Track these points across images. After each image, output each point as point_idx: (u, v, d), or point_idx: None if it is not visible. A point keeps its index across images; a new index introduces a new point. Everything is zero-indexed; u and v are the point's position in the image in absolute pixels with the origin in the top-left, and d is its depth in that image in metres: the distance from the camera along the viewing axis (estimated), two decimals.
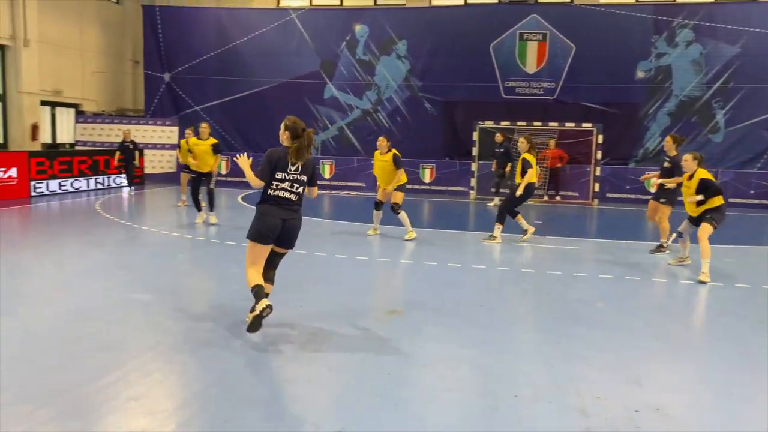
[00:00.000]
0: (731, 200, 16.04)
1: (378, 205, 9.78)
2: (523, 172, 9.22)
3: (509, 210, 9.53)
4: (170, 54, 19.82)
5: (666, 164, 8.82)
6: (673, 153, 8.72)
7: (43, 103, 17.90)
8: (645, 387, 3.99)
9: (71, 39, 18.74)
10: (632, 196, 16.38)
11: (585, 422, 3.47)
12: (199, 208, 10.63)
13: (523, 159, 9.25)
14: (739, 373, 4.34)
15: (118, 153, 15.51)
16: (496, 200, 15.21)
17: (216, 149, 10.60)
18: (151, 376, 3.99)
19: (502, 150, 15.04)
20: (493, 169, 15.65)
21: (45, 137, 18.21)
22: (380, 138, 9.63)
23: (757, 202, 15.97)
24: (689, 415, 3.62)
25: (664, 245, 8.82)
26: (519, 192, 9.19)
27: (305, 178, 5.01)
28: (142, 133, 19.04)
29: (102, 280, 6.55)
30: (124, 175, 16.23)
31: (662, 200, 8.78)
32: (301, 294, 6.17)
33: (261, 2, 20.53)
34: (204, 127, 10.74)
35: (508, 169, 14.46)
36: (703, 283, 7.08)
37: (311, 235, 9.79)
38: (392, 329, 5.11)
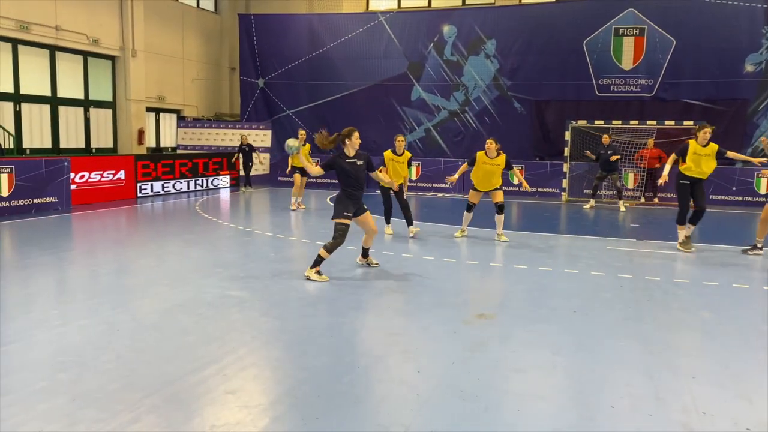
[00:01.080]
0: None
1: (470, 207, 9.61)
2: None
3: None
4: (264, 60, 20.58)
5: None
6: None
7: (149, 109, 19.12)
8: (756, 403, 3.70)
9: (174, 48, 19.88)
10: (739, 198, 15.31)
11: None
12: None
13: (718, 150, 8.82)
14: None
15: (238, 155, 16.97)
16: (592, 202, 14.67)
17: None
18: (247, 371, 4.15)
19: (610, 152, 14.35)
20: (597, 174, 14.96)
21: (150, 141, 19.43)
22: (489, 141, 9.34)
23: None
24: None
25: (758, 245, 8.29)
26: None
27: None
28: (238, 137, 19.88)
29: (201, 277, 6.88)
30: (222, 177, 17.07)
31: None
32: (388, 295, 6.21)
33: (350, 7, 20.90)
34: (400, 141, 10.08)
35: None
36: None
37: (397, 236, 9.84)
38: (482, 333, 5.04)
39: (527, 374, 4.16)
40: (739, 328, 5.35)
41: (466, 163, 9.66)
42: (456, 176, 9.54)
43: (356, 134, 6.75)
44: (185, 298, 5.90)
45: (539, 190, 17.18)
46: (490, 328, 5.17)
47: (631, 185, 16.17)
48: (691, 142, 8.85)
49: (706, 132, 8.85)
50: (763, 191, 15.16)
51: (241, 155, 17.11)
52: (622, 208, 14.19)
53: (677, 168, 9.08)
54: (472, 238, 9.61)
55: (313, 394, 3.77)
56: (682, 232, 8.91)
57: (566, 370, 4.26)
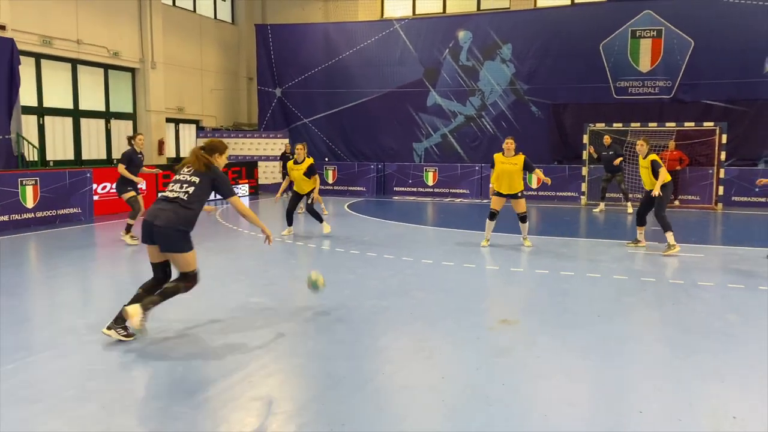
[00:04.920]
0: None
1: (493, 215, 9.25)
2: (654, 174, 8.68)
3: (664, 212, 8.91)
4: (281, 70, 20.76)
5: None
6: None
7: (168, 120, 19.35)
8: None
9: (192, 59, 20.13)
10: (763, 200, 15.08)
11: None
12: (290, 223, 10.63)
13: (653, 161, 8.72)
14: None
15: (281, 164, 17.43)
16: (602, 205, 14.58)
17: (311, 171, 10.27)
18: (273, 378, 4.17)
19: (611, 153, 14.35)
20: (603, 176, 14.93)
21: (170, 152, 19.65)
22: (508, 139, 9.14)
23: None
24: None
25: None
26: (660, 193, 8.53)
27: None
28: (256, 146, 20.07)
29: (224, 284, 6.94)
30: (241, 186, 17.26)
31: None
32: (410, 301, 6.21)
33: (366, 15, 21.01)
34: (299, 149, 10.36)
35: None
36: None
37: (415, 242, 9.84)
38: (506, 339, 5.02)
39: (553, 380, 4.13)
40: (766, 330, 5.27)
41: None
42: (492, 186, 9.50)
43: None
44: (208, 306, 5.95)
45: (558, 194, 17.08)
46: (514, 334, 5.14)
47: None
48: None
49: (642, 145, 8.88)
50: None
51: (283, 163, 17.46)
52: (629, 210, 14.07)
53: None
54: (493, 243, 9.57)
55: (338, 401, 3.78)
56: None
57: (592, 376, 4.23)
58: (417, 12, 20.61)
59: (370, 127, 19.94)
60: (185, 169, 5.03)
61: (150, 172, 11.12)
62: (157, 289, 4.95)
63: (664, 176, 8.61)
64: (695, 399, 3.78)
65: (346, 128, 20.32)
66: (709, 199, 15.32)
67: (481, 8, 19.84)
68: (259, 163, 19.44)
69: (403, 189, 18.83)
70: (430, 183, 18.35)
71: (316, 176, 10.40)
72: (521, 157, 9.07)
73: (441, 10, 20.35)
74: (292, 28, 20.77)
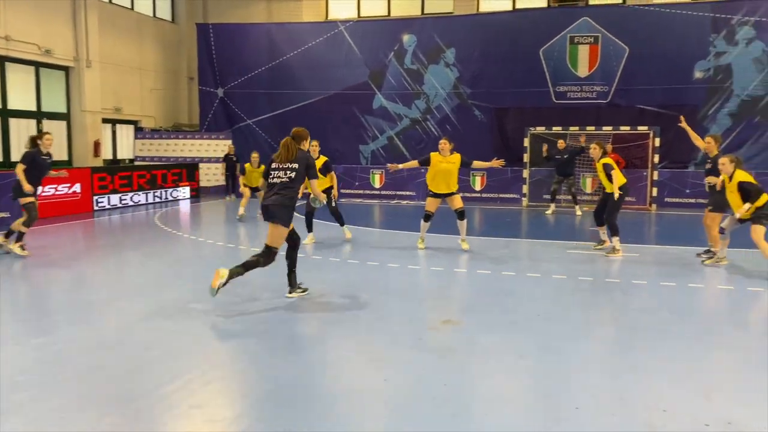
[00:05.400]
0: None
1: (428, 216, 9.27)
2: (608, 177, 8.92)
3: (615, 217, 9.07)
4: (223, 70, 20.37)
5: (708, 165, 8.75)
6: (715, 153, 8.54)
7: (105, 120, 18.68)
8: (714, 400, 3.82)
9: (130, 58, 19.51)
10: (693, 200, 15.80)
11: None
12: (310, 229, 9.85)
13: (605, 164, 8.96)
14: None
15: (224, 165, 17.72)
16: (553, 207, 14.96)
17: (326, 169, 9.74)
18: (212, 385, 4.07)
19: (566, 156, 14.76)
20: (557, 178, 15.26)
21: (106, 153, 18.98)
22: (443, 140, 9.20)
23: None
24: (763, 431, 3.43)
25: (713, 251, 8.43)
26: (617, 195, 8.71)
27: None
28: (197, 147, 19.63)
29: (162, 290, 6.74)
30: (181, 189, 16.85)
31: (709, 208, 8.47)
32: (354, 303, 6.19)
33: (310, 16, 20.88)
34: (314, 146, 9.62)
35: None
36: None
37: (361, 244, 9.83)
38: (448, 339, 5.07)
39: (494, 379, 4.20)
40: (696, 326, 5.52)
41: (416, 160, 9.78)
42: (400, 166, 9.68)
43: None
44: (147, 312, 5.76)
45: (500, 195, 17.43)
46: (457, 334, 5.20)
47: (588, 189, 16.52)
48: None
49: (595, 149, 9.12)
50: None
51: (226, 164, 17.73)
52: (578, 213, 14.51)
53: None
54: (435, 245, 9.66)
55: (279, 407, 3.72)
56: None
57: (532, 374, 4.32)
58: (362, 14, 20.62)
59: (316, 128, 19.52)
60: (283, 159, 6.18)
61: (57, 175, 9.95)
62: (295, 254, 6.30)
63: (618, 178, 8.83)
64: (628, 394, 3.91)
65: (291, 130, 20.07)
66: (644, 201, 15.93)
67: (425, 12, 20.03)
68: (201, 165, 19.01)
69: (349, 191, 18.78)
70: (377, 185, 18.38)
71: (333, 174, 9.81)
72: (458, 156, 9.14)
73: (386, 13, 20.44)
74: (235, 28, 20.43)
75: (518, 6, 19.12)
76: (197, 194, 18.25)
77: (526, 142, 16.48)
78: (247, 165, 13.70)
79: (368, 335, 5.17)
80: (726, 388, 4.03)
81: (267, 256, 6.04)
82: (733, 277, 7.54)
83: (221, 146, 19.28)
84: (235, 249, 9.58)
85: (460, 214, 9.15)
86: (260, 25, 20.61)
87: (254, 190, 12.98)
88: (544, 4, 18.76)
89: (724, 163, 7.83)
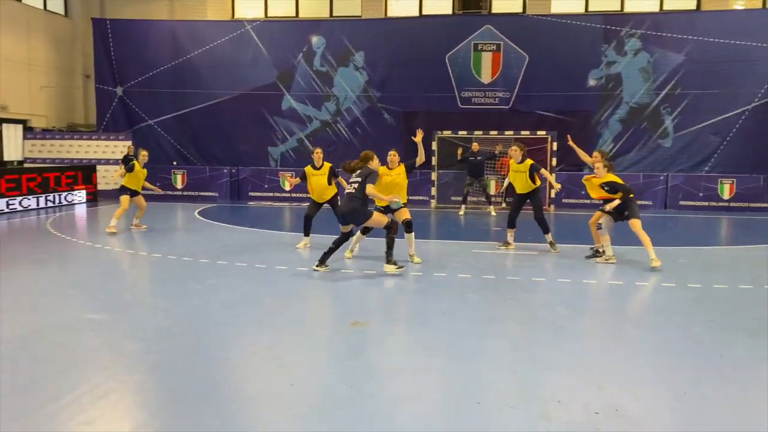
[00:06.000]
0: (681, 203, 16.64)
1: (366, 230, 8.64)
2: (531, 177, 9.35)
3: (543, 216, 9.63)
4: (122, 67, 19.41)
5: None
6: (600, 167, 8.89)
7: None
8: (605, 389, 4.06)
9: (18, 54, 18.21)
10: (587, 201, 16.73)
11: (546, 426, 3.50)
12: (307, 233, 9.68)
13: (532, 165, 9.37)
14: (693, 371, 4.46)
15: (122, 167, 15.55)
16: (464, 208, 15.38)
17: (333, 175, 9.71)
18: (105, 398, 3.86)
19: (479, 159, 15.28)
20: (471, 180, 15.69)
21: None
22: (392, 152, 8.74)
23: (706, 204, 16.53)
24: (647, 415, 3.69)
25: (600, 250, 8.95)
26: (557, 188, 9.89)
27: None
28: (94, 148, 18.62)
29: (55, 300, 6.33)
30: (77, 192, 15.85)
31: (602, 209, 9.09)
32: (261, 309, 6.08)
33: (215, 14, 20.34)
34: (318, 153, 9.74)
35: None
36: (655, 269, 7.88)
37: (270, 248, 9.67)
38: (356, 341, 5.08)
39: (400, 378, 4.25)
40: (590, 320, 5.85)
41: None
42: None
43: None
44: (39, 325, 5.39)
45: (410, 197, 17.66)
46: (364, 335, 5.22)
47: (493, 191, 17.13)
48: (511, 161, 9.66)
49: (516, 150, 9.55)
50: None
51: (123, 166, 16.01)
52: (493, 213, 15.04)
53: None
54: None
55: (181, 416, 3.59)
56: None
57: (437, 371, 4.41)
58: (269, 14, 20.33)
59: (223, 129, 19.29)
60: (354, 174, 7.80)
61: None
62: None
63: (548, 174, 9.55)
64: (527, 387, 4.08)
65: (197, 130, 19.47)
66: (543, 202, 16.69)
67: (334, 14, 20.03)
68: (98, 167, 18.02)
69: (259, 194, 18.46)
70: (288, 188, 18.14)
71: (340, 179, 9.51)
72: (402, 167, 8.75)
73: (294, 14, 20.26)
74: (134, 24, 19.53)
75: (425, 12, 19.53)
76: (94, 197, 17.29)
77: (434, 146, 16.86)
78: (135, 162, 11.60)
79: (276, 341, 5.09)
80: (615, 378, 4.30)
81: (390, 232, 7.77)
82: (623, 272, 8.05)
83: (120, 147, 18.37)
84: (135, 255, 9.15)
85: (408, 226, 8.58)
86: (162, 21, 19.84)
87: (134, 194, 11.48)
88: (450, 11, 19.27)
89: (599, 168, 8.73)
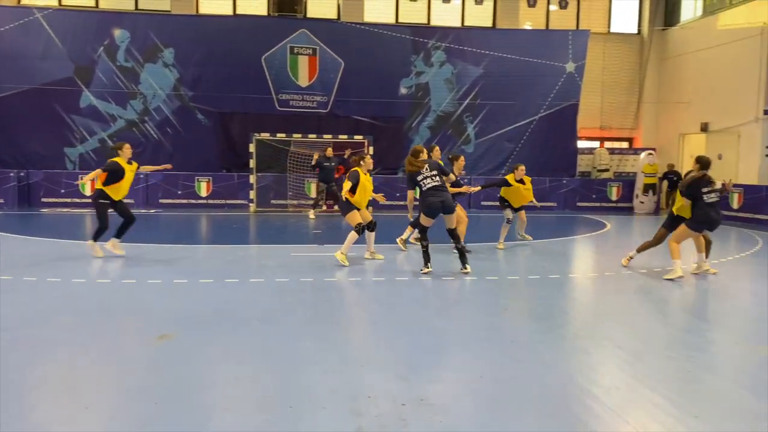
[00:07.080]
0: (483, 203, 18.18)
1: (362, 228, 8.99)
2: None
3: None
4: None
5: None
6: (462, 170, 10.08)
7: None
8: (412, 381, 4.26)
9: None
10: (397, 203, 17.59)
11: (357, 422, 3.59)
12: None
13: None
14: (490, 356, 4.87)
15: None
16: (312, 213, 15.27)
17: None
18: None
19: (333, 164, 15.35)
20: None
21: None
22: (367, 158, 9.27)
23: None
24: (450, 402, 3.94)
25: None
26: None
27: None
28: None
29: None
30: None
31: None
32: (51, 329, 5.47)
33: None
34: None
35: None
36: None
37: (65, 259, 8.78)
38: (163, 355, 4.78)
39: (212, 389, 4.08)
40: (399, 315, 6.12)
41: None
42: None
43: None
44: None
45: (228, 201, 17.22)
46: (171, 349, 4.93)
47: (313, 194, 17.25)
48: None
49: (437, 150, 10.16)
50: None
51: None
52: (312, 217, 15.13)
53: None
54: (153, 256, 9.07)
55: None
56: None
57: (250, 379, 4.31)
58: (63, 2, 18.42)
59: (8, 128, 17.06)
60: (424, 170, 8.27)
61: None
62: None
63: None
64: (339, 386, 4.14)
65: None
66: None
67: (140, 8, 18.73)
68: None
69: (54, 200, 16.64)
70: (88, 193, 16.56)
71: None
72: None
73: (93, 4, 18.58)
74: None
75: (239, 11, 19.09)
76: None
77: (252, 148, 16.55)
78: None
79: (69, 362, 4.61)
80: (422, 369, 4.54)
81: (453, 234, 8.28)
82: (436, 270, 8.55)
83: None
84: None
85: (372, 225, 9.18)
86: None
87: None
88: (265, 13, 19.06)
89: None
